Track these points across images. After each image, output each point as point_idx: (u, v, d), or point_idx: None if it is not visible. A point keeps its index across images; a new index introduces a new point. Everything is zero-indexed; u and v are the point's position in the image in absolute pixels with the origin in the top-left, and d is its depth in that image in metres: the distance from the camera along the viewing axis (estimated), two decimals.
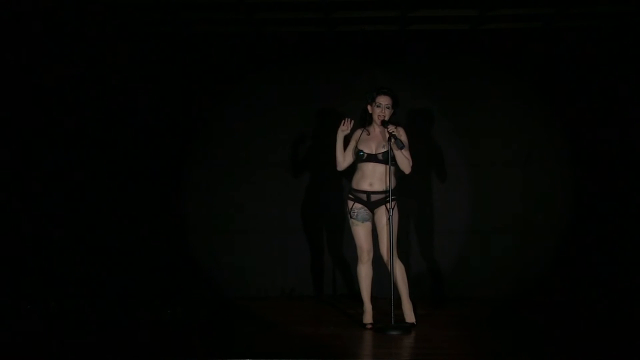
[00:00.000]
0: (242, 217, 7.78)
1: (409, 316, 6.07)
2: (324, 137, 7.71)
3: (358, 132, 6.15)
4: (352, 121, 6.09)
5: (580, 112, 7.62)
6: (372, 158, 5.99)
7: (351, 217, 6.07)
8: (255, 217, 7.77)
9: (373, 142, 6.04)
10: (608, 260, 7.44)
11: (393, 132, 5.83)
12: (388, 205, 5.89)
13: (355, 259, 6.18)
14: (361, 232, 6.06)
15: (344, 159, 6.15)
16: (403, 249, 6.96)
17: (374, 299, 6.16)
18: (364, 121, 6.15)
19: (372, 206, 6.03)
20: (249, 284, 7.72)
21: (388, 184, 5.90)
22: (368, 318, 6.06)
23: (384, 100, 6.02)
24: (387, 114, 6.01)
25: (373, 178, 6.00)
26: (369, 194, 6.01)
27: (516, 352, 5.21)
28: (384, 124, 5.94)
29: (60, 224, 7.38)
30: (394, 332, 5.72)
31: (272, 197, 7.77)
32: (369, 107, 6.09)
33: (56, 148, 7.41)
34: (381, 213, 6.00)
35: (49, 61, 7.31)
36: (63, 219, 7.40)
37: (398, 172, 6.04)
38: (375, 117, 6.04)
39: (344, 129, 6.06)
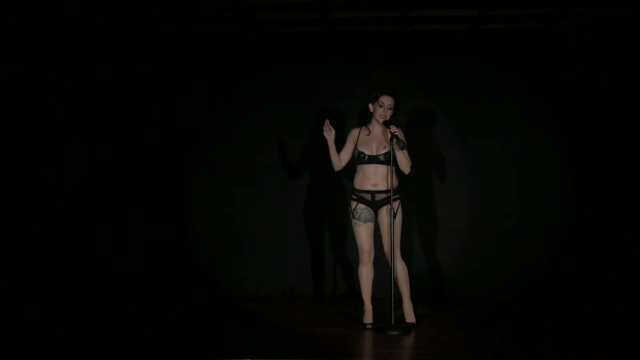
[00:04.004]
0: (242, 217, 7.78)
1: (410, 316, 6.07)
2: (324, 137, 7.72)
3: (356, 131, 6.12)
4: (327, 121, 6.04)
5: (580, 112, 7.62)
6: (373, 160, 5.99)
7: (354, 218, 6.06)
8: (256, 217, 7.77)
9: (374, 142, 6.03)
10: (608, 260, 7.44)
11: (395, 132, 5.84)
12: (391, 204, 5.89)
13: (355, 259, 6.18)
14: (363, 233, 6.05)
15: (339, 160, 6.10)
16: (404, 249, 6.95)
17: (374, 299, 6.16)
18: (364, 119, 6.14)
19: (375, 206, 6.03)
20: (249, 284, 7.72)
21: (391, 184, 5.90)
22: (368, 318, 6.06)
23: (387, 101, 6.01)
24: (388, 114, 6.00)
25: (376, 179, 6.00)
26: (373, 193, 6.01)
27: (516, 352, 5.20)
28: (386, 124, 5.95)
29: (60, 223, 7.37)
30: (394, 332, 5.72)
31: (272, 197, 7.78)
32: (370, 106, 6.08)
33: (56, 148, 7.40)
34: (385, 213, 6.00)
35: (49, 61, 7.30)
36: (63, 219, 7.40)
37: (398, 172, 6.04)
38: (377, 116, 6.03)
39: (327, 130, 5.98)
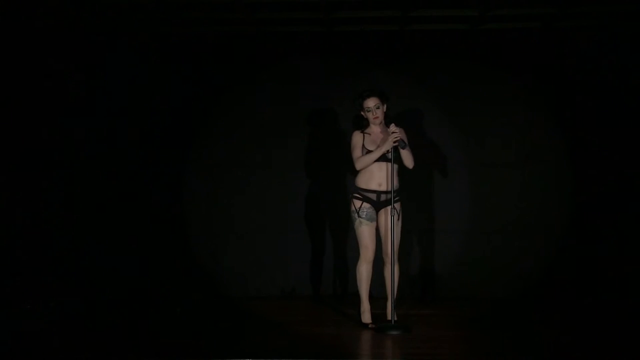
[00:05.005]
0: (242, 218, 7.78)
1: (391, 315, 6.05)
2: (324, 137, 7.74)
3: (359, 135, 6.10)
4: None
5: (580, 112, 7.62)
6: (382, 158, 5.99)
7: (359, 217, 6.04)
8: (256, 218, 7.77)
9: (379, 142, 6.03)
10: (608, 260, 7.44)
11: (396, 132, 5.85)
12: (392, 205, 5.90)
13: (354, 259, 6.18)
14: (368, 232, 6.05)
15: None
16: (404, 249, 6.95)
17: (371, 298, 6.17)
18: (361, 125, 6.14)
19: (379, 206, 6.04)
20: (249, 284, 7.72)
21: (392, 184, 5.92)
22: (368, 317, 6.07)
23: (372, 102, 6.03)
24: (379, 113, 6.03)
25: (381, 178, 6.01)
26: (379, 193, 6.02)
27: (516, 352, 5.21)
28: (386, 123, 5.98)
29: (61, 223, 7.37)
30: (394, 332, 5.72)
31: (272, 197, 7.77)
32: (362, 113, 6.09)
33: (56, 149, 7.40)
34: (386, 213, 6.01)
35: (49, 62, 7.30)
36: (63, 219, 7.40)
37: (399, 172, 6.04)
38: (371, 119, 6.05)
39: (396, 142, 5.89)
